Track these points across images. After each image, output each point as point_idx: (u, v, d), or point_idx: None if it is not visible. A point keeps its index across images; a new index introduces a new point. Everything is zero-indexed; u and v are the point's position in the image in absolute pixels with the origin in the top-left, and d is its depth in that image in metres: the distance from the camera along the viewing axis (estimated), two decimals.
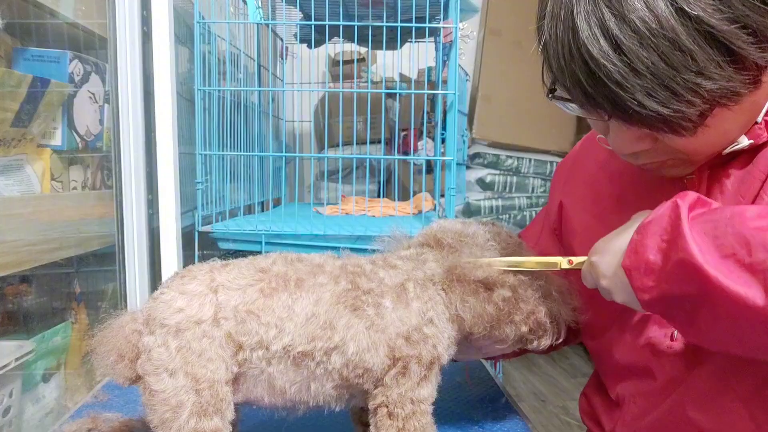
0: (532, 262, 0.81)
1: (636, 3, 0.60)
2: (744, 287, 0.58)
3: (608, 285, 0.73)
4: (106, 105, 1.49)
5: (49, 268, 1.37)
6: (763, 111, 0.70)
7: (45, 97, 1.24)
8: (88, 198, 1.48)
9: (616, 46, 0.61)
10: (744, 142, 0.71)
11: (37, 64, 1.29)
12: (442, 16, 1.59)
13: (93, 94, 1.44)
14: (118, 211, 1.44)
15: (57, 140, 1.35)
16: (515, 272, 0.81)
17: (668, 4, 0.59)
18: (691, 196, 0.66)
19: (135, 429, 0.91)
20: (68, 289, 1.50)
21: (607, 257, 0.72)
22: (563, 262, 0.79)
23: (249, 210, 1.82)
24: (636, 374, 0.86)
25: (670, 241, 0.64)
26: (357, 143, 2.45)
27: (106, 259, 1.47)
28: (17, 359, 1.19)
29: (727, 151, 0.73)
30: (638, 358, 0.85)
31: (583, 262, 0.78)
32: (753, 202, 0.72)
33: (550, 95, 0.73)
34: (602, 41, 0.61)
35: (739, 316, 0.60)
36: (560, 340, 0.87)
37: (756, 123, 0.71)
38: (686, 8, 0.59)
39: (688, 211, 0.64)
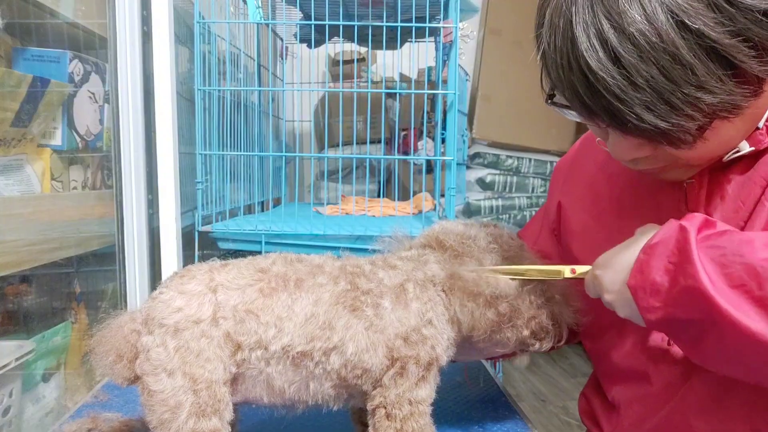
0: (534, 270, 0.81)
1: (635, 15, 0.58)
2: (754, 321, 0.58)
3: (612, 300, 0.73)
4: (106, 105, 1.49)
5: (49, 268, 1.36)
6: (764, 117, 0.69)
7: (45, 97, 1.24)
8: (88, 198, 1.48)
9: (615, 59, 0.60)
10: (745, 148, 0.71)
11: (37, 64, 1.29)
12: (442, 16, 1.59)
13: (93, 94, 1.44)
14: (118, 211, 1.44)
15: (57, 140, 1.35)
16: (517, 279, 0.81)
17: (669, 16, 0.58)
18: (698, 218, 0.66)
19: (135, 429, 0.91)
20: (68, 289, 1.50)
21: (611, 272, 0.72)
22: (566, 271, 0.79)
23: (249, 210, 1.82)
24: (632, 378, 0.86)
25: (678, 264, 0.64)
26: (357, 143, 2.45)
27: (106, 259, 1.47)
28: (17, 359, 1.19)
29: (728, 158, 0.72)
30: (635, 362, 0.85)
31: (586, 272, 0.78)
32: (754, 209, 0.71)
33: (549, 101, 0.73)
34: (601, 53, 0.60)
35: (746, 348, 0.60)
36: (562, 342, 0.87)
37: (757, 129, 0.70)
38: (687, 22, 0.57)
39: (696, 234, 0.64)
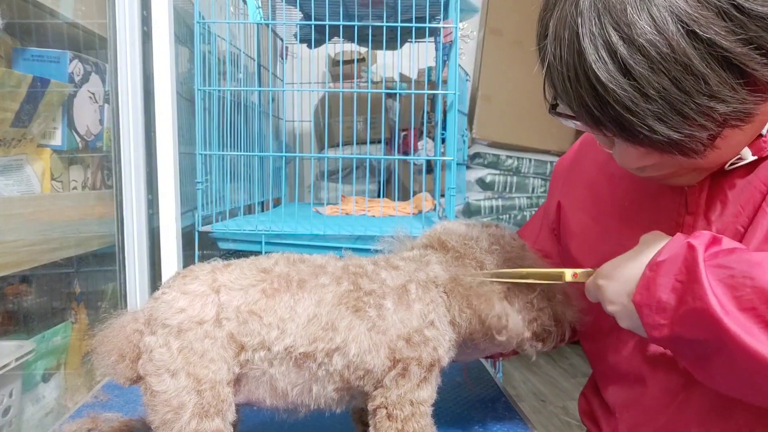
0: (536, 274, 0.81)
1: (645, 26, 0.57)
2: (764, 345, 0.59)
3: (615, 311, 0.73)
4: (106, 105, 1.49)
5: (49, 268, 1.37)
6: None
7: (45, 97, 1.25)
8: (88, 198, 1.48)
9: (626, 71, 0.59)
10: (748, 157, 0.71)
11: (37, 64, 1.30)
12: (442, 16, 1.59)
13: (93, 94, 1.44)
14: (118, 211, 1.44)
15: (57, 140, 1.35)
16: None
17: (679, 26, 0.57)
18: (706, 236, 0.66)
19: (135, 429, 0.91)
20: (68, 289, 1.50)
21: (615, 284, 0.72)
22: (568, 274, 0.79)
23: (249, 210, 1.83)
24: (628, 381, 0.86)
25: (686, 284, 0.64)
26: (357, 143, 2.45)
27: (106, 259, 1.47)
28: (17, 359, 1.20)
29: (729, 167, 0.72)
30: (632, 365, 0.85)
31: (586, 273, 0.78)
32: (755, 215, 0.71)
33: (552, 111, 0.72)
34: (610, 65, 0.59)
35: (756, 371, 0.60)
36: (564, 342, 0.87)
37: (760, 136, 0.70)
38: (698, 31, 0.56)
39: (704, 252, 0.64)
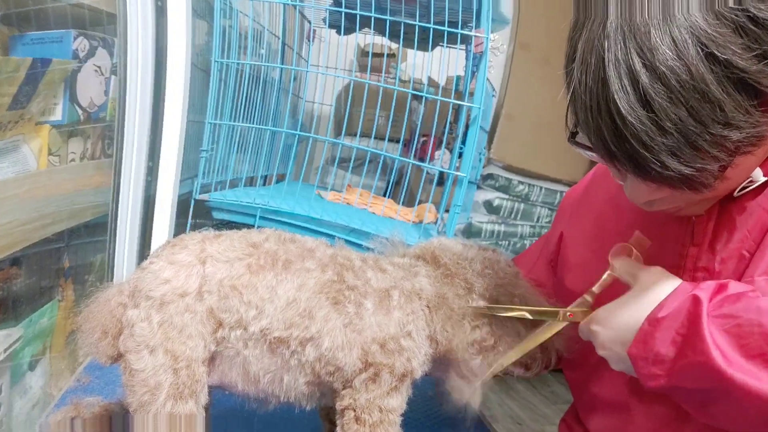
0: (531, 311, 0.83)
1: (667, 51, 0.60)
2: None
3: (607, 356, 0.76)
4: (113, 77, 1.45)
5: (39, 246, 1.30)
6: None
7: (46, 76, 1.20)
8: (85, 169, 1.43)
9: (645, 102, 0.61)
10: (760, 178, 0.73)
11: (38, 47, 1.24)
12: (474, 23, 1.60)
13: (99, 67, 1.40)
14: (116, 179, 1.44)
15: (57, 115, 1.31)
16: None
17: (699, 49, 0.60)
18: (711, 286, 0.68)
19: (114, 413, 0.93)
20: (57, 264, 1.43)
21: (610, 332, 0.75)
22: (562, 314, 0.81)
23: (251, 182, 1.85)
24: (613, 410, 0.88)
25: (686, 336, 0.66)
26: (375, 137, 2.47)
27: (98, 229, 1.45)
28: (5, 350, 1.17)
29: (739, 193, 0.75)
30: (617, 394, 0.87)
31: (582, 312, 0.81)
32: (762, 238, 0.73)
33: (571, 140, 0.75)
34: (632, 96, 0.62)
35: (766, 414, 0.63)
36: (550, 368, 0.89)
37: None
38: (716, 52, 0.59)
39: (708, 303, 0.66)
